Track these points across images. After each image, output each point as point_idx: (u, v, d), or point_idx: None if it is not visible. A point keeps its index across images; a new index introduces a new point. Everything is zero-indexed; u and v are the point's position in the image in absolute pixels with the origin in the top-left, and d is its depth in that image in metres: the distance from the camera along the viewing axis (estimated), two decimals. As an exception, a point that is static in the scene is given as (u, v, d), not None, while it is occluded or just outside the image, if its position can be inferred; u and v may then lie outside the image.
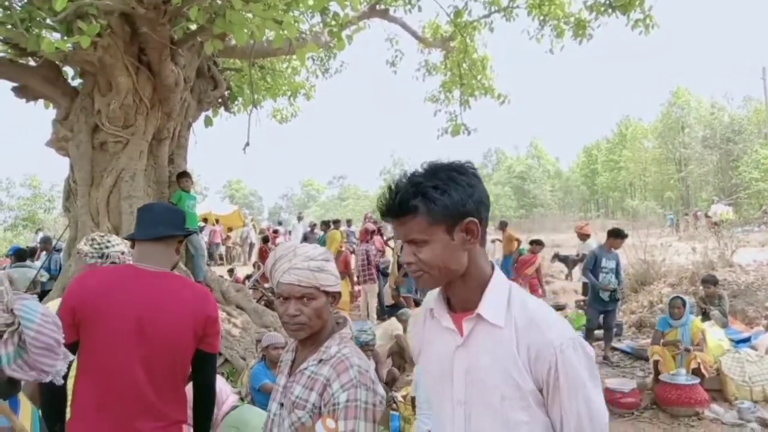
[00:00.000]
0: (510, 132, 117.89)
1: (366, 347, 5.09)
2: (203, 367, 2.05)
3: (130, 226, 5.85)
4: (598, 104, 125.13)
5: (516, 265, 9.43)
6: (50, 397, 1.83)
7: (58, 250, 8.20)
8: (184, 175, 6.68)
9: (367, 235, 9.39)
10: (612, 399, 5.18)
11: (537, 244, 9.47)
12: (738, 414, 4.82)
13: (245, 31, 4.43)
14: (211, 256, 15.49)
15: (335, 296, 1.62)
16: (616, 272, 6.83)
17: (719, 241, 10.23)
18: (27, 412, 1.13)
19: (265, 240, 13.50)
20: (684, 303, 5.71)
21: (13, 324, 1.05)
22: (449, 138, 10.88)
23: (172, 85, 5.91)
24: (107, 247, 2.53)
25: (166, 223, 2.15)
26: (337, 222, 13.07)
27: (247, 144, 7.28)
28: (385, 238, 12.12)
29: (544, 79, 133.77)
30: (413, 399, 4.67)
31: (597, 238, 9.57)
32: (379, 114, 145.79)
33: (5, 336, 1.04)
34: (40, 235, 15.63)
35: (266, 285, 9.51)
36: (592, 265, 6.81)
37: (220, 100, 7.70)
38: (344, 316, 1.76)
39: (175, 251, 2.16)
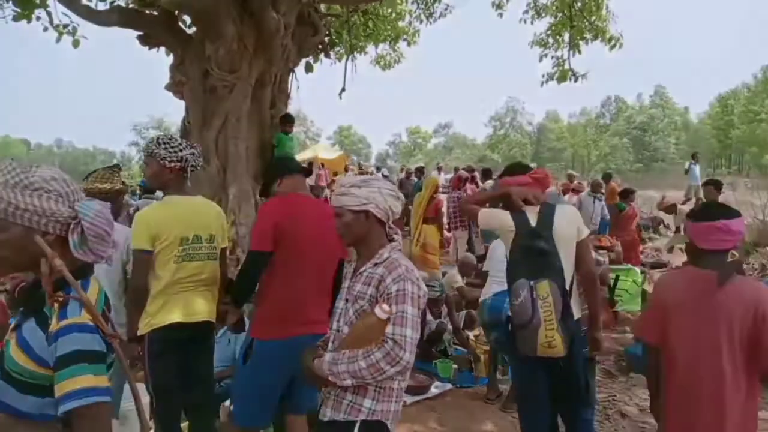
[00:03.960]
0: (633, 79, 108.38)
1: (436, 301, 5.24)
2: (341, 271, 2.69)
3: (235, 165, 6.42)
4: (739, 46, 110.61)
5: (617, 222, 8.91)
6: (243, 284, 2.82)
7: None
8: (286, 118, 7.07)
9: (459, 182, 9.43)
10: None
11: (629, 193, 8.87)
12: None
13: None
14: (316, 198, 16.40)
15: (368, 214, 1.95)
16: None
17: None
18: (94, 291, 1.45)
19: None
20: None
21: (76, 218, 1.36)
22: (569, 85, 10.36)
23: (273, 31, 6.23)
24: (180, 150, 2.82)
25: (295, 163, 3.14)
26: (421, 168, 13.63)
27: (343, 89, 7.53)
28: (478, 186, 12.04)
29: (673, 19, 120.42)
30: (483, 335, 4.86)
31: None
32: (486, 60, 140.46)
33: (72, 226, 1.36)
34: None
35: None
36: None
37: (320, 46, 7.97)
38: (396, 230, 2.07)
39: None
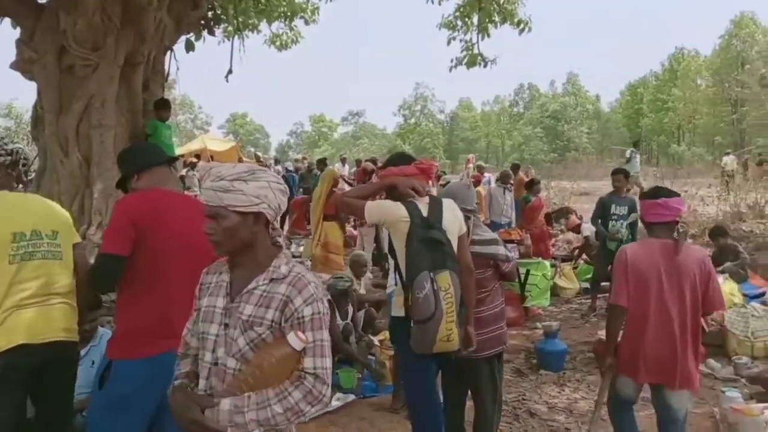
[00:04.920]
0: (546, 66, 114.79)
1: (344, 294, 5.29)
2: None
3: (100, 158, 6.06)
4: (647, 35, 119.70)
5: (524, 214, 9.47)
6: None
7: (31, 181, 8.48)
8: (161, 103, 6.79)
9: (364, 175, 9.51)
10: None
11: (534, 184, 9.45)
12: (734, 370, 5.00)
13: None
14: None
15: (257, 217, 1.75)
16: (630, 220, 6.86)
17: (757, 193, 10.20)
18: None
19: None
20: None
21: None
22: (482, 71, 10.69)
23: (144, 4, 5.96)
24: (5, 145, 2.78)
25: (159, 152, 2.88)
26: (324, 160, 13.69)
27: (230, 71, 7.37)
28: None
29: (586, 5, 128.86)
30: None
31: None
32: (395, 42, 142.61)
33: None
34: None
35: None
36: (601, 213, 6.88)
37: (202, 22, 7.72)
38: (279, 232, 1.94)
39: None
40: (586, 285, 7.98)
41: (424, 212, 2.95)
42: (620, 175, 7.23)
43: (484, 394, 3.35)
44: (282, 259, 1.80)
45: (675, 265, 3.08)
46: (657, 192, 3.25)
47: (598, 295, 7.37)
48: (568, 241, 11.07)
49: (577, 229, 9.81)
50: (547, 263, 7.35)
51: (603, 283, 7.35)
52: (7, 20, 6.50)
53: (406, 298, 2.90)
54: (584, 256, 9.11)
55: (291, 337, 1.68)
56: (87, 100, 6.00)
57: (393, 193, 3.07)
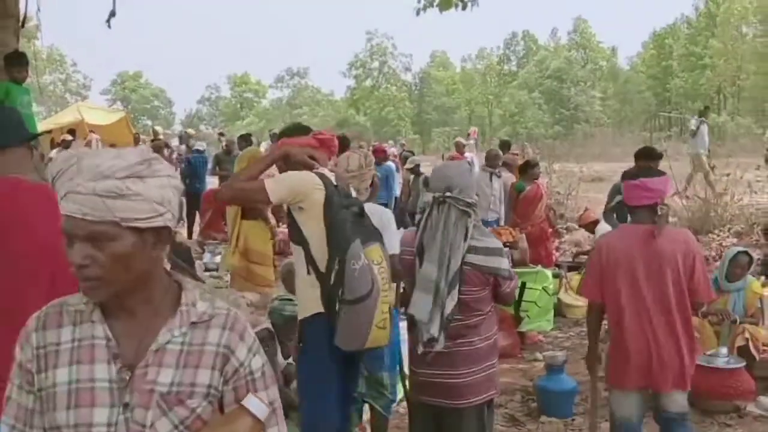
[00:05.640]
0: (546, 10, 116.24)
1: (291, 322, 5.19)
2: None
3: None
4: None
5: (515, 208, 9.35)
6: None
7: None
8: (14, 57, 6.63)
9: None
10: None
11: (530, 167, 9.34)
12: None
13: None
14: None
15: (160, 234, 1.50)
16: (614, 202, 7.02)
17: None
18: None
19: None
20: (751, 262, 5.93)
21: None
22: (459, 15, 10.69)
23: None
24: None
25: (15, 125, 2.77)
26: (247, 137, 13.71)
27: (113, 14, 7.18)
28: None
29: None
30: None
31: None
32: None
33: None
34: None
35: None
36: (617, 204, 6.96)
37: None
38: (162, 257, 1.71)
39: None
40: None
41: (334, 182, 3.30)
42: (650, 160, 6.90)
43: None
44: (192, 291, 1.59)
45: (654, 251, 3.58)
46: (638, 173, 3.88)
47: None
48: (577, 242, 11.19)
49: (591, 226, 9.73)
50: (549, 273, 7.38)
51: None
52: None
53: (322, 290, 3.16)
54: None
55: (253, 404, 1.50)
56: None
57: (290, 164, 3.39)
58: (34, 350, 1.51)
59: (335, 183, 3.29)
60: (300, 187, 3.21)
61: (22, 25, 7.24)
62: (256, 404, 1.50)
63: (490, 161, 10.39)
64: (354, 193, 3.65)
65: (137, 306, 1.53)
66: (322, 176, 3.26)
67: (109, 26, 7.39)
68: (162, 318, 1.53)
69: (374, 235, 3.28)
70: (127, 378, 1.48)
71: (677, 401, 3.62)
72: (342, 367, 3.33)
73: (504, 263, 3.43)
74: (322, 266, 3.17)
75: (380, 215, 3.99)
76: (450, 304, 3.06)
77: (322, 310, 3.20)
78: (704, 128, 16.17)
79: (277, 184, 3.25)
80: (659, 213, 3.65)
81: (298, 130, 3.77)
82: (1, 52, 6.56)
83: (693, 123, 16.69)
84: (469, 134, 19.96)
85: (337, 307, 3.09)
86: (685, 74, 58.99)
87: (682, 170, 13.82)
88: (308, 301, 3.31)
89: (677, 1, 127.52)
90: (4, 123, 2.80)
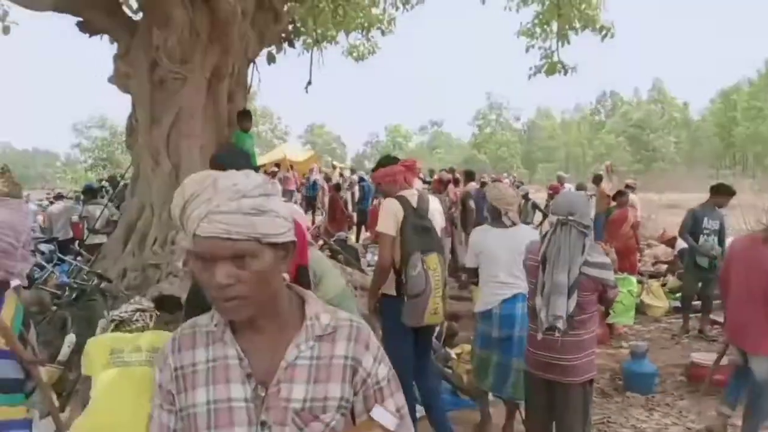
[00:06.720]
0: (629, 73, 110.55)
1: None
2: None
3: (190, 166, 6.31)
4: (741, 38, 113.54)
5: (607, 227, 9.02)
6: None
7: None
8: (244, 114, 7.00)
9: (440, 185, 9.47)
10: (698, 374, 5.07)
11: (620, 195, 8.90)
12: None
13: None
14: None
15: (288, 249, 1.19)
16: (719, 235, 6.46)
17: None
18: (10, 311, 1.38)
19: (337, 188, 13.87)
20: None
21: None
22: (561, 79, 10.50)
23: (229, 18, 6.18)
24: None
25: (245, 163, 2.90)
26: None
27: (309, 82, 7.51)
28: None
29: (672, 8, 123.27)
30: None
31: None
32: (471, 52, 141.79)
33: None
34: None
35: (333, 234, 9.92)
36: (691, 226, 6.50)
37: (283, 35, 7.93)
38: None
39: None
40: (677, 303, 7.53)
41: (414, 203, 3.55)
42: (725, 196, 6.55)
43: (573, 421, 3.20)
44: (315, 303, 1.28)
45: (762, 253, 3.82)
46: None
47: (691, 315, 6.95)
48: (656, 256, 10.56)
49: (671, 242, 9.16)
50: (633, 279, 7.04)
51: (694, 302, 6.96)
52: (104, 37, 6.95)
53: (397, 280, 3.49)
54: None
55: (382, 415, 1.24)
56: (176, 112, 6.28)
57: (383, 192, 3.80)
58: (173, 371, 1.24)
59: (415, 204, 3.52)
60: (394, 214, 3.49)
61: (248, 92, 7.73)
62: (384, 415, 1.24)
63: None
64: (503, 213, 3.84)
65: (266, 322, 1.22)
66: (401, 198, 3.53)
67: (306, 91, 7.72)
68: (288, 333, 1.23)
69: (435, 246, 3.50)
70: (263, 396, 1.19)
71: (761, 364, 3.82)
72: (410, 335, 3.57)
73: (611, 275, 3.24)
74: (397, 264, 3.49)
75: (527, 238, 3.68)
76: (572, 305, 2.95)
77: (394, 293, 3.53)
78: None
79: (384, 222, 3.51)
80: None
81: (388, 160, 3.81)
82: (236, 111, 7.03)
83: None
84: (606, 167, 17.46)
85: (404, 297, 3.44)
86: (748, 123, 54.22)
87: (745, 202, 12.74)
88: (388, 283, 3.58)
89: (742, 64, 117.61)
90: (240, 160, 3.04)
